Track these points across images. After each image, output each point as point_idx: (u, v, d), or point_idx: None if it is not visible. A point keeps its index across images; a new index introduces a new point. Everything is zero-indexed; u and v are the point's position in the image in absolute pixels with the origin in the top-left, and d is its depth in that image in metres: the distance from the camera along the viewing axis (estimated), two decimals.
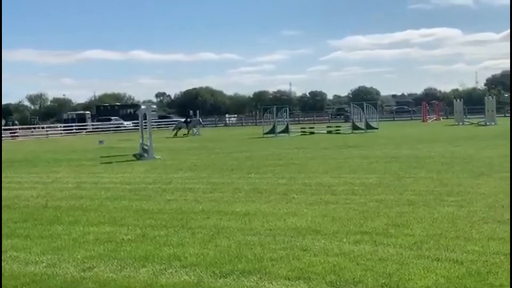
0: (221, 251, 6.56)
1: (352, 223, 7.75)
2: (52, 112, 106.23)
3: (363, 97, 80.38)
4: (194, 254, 6.47)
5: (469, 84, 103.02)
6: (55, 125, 70.52)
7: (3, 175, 15.40)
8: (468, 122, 46.42)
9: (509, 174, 11.91)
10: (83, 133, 59.86)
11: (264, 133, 37.24)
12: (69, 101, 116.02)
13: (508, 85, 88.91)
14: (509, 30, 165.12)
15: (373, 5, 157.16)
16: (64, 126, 63.39)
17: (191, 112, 45.38)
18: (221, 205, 9.67)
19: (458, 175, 12.26)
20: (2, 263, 6.42)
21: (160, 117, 75.59)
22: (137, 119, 28.39)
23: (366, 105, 39.58)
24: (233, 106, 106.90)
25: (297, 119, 73.74)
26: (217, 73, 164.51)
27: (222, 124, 78.08)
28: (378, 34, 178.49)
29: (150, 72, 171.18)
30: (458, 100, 53.02)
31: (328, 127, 42.03)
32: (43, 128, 65.08)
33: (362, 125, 38.20)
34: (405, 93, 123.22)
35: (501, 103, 69.49)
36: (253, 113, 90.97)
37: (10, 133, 53.61)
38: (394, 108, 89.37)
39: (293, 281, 5.37)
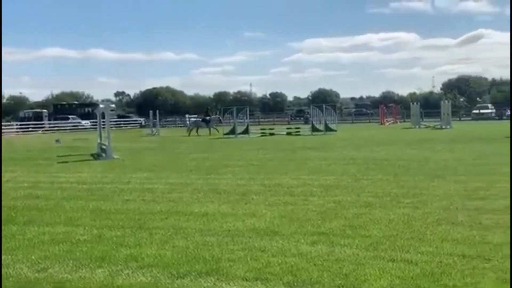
0: (179, 251, 6.53)
1: (310, 224, 7.81)
2: (8, 110, 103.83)
3: (323, 99, 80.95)
4: (151, 255, 6.42)
5: (426, 88, 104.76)
6: (11, 123, 68.94)
7: None
8: (425, 125, 47.29)
9: (463, 177, 12.20)
10: (40, 131, 58.74)
11: (224, 134, 37.22)
12: (26, 99, 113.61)
13: (463, 90, 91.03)
14: (465, 36, 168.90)
15: (333, 9, 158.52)
16: (20, 125, 62.07)
17: (208, 108, 44.61)
18: (180, 206, 9.62)
19: (414, 177, 12.47)
20: None
21: (119, 116, 74.82)
22: (96, 118, 28.06)
23: (326, 107, 39.91)
24: (194, 106, 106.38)
25: (257, 120, 73.90)
26: (177, 73, 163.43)
27: (182, 125, 77.63)
28: (338, 37, 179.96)
29: (109, 71, 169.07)
30: (415, 103, 53.98)
31: (288, 128, 42.24)
32: None
33: (321, 127, 38.52)
34: (364, 96, 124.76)
35: (457, 107, 71.16)
36: (214, 113, 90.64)
37: None
38: (353, 110, 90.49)
39: (251, 281, 5.38)
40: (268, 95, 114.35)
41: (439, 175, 12.68)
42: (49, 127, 62.27)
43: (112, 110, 62.07)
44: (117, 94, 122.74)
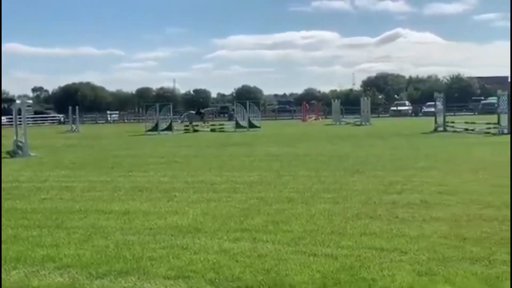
0: (98, 251, 6.37)
1: (232, 221, 7.81)
2: None
3: (247, 96, 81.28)
4: (69, 254, 6.23)
5: (347, 85, 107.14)
6: None
7: None
8: (345, 121, 48.41)
9: (381, 172, 12.55)
10: None
11: (147, 131, 36.74)
12: None
13: (382, 87, 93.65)
14: (383, 35, 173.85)
15: (256, 6, 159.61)
16: None
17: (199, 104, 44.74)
18: (100, 204, 9.39)
19: (335, 172, 12.72)
20: None
21: (37, 112, 72.33)
22: (12, 115, 27.01)
23: (249, 104, 40.14)
24: (115, 103, 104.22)
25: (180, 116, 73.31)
26: (98, 69, 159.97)
27: (104, 121, 76.16)
28: (261, 35, 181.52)
29: (26, 66, 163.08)
30: (336, 100, 55.17)
31: (211, 125, 42.18)
32: None
33: (245, 123, 38.72)
34: (287, 93, 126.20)
35: (376, 104, 73.02)
36: (136, 110, 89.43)
37: None
38: (276, 107, 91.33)
39: (172, 280, 5.31)
40: (192, 92, 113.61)
41: (358, 170, 12.99)
42: None
43: (29, 106, 59.64)
44: (34, 90, 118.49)
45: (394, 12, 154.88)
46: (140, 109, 73.82)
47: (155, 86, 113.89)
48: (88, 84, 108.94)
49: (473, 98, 77.61)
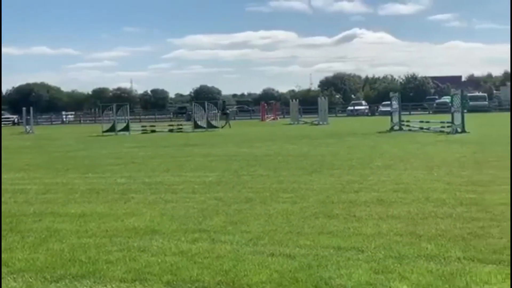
0: (53, 255, 6.24)
1: (191, 222, 7.76)
2: None
3: (205, 96, 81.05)
4: (23, 259, 6.09)
5: (304, 85, 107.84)
6: None
7: None
8: (303, 121, 48.70)
9: (338, 171, 12.67)
10: None
11: (103, 131, 36.26)
12: None
13: (339, 87, 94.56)
14: (340, 35, 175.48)
15: (214, 5, 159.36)
16: None
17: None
18: (55, 207, 9.22)
19: (293, 172, 12.79)
20: None
21: None
22: None
23: (208, 104, 40.04)
24: (71, 103, 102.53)
25: (138, 117, 72.73)
26: (53, 69, 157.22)
27: (59, 122, 74.91)
28: (219, 35, 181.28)
29: None
30: (294, 100, 55.49)
31: (170, 125, 41.93)
32: None
33: (203, 123, 38.60)
34: (245, 93, 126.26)
35: (333, 104, 73.81)
36: (92, 110, 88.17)
37: None
38: (235, 107, 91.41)
39: (129, 283, 5.25)
40: (149, 92, 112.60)
41: (316, 169, 13.09)
42: None
43: None
44: None
45: (350, 12, 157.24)
46: (97, 110, 72.73)
47: (111, 86, 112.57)
48: (43, 84, 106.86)
49: (428, 97, 79.27)
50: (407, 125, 30.73)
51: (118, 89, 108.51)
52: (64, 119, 77.59)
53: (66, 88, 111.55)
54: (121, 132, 36.05)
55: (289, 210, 8.33)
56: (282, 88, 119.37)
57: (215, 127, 38.22)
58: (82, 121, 76.34)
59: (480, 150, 16.72)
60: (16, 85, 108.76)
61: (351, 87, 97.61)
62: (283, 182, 11.30)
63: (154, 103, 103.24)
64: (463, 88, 43.42)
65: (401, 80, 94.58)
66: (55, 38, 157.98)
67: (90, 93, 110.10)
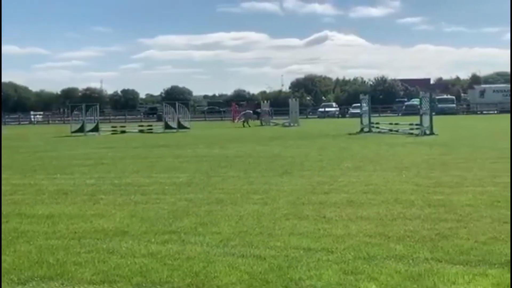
0: (20, 256, 6.14)
1: (161, 223, 7.72)
2: None
3: (176, 97, 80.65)
4: None
5: (276, 86, 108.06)
6: None
7: None
8: (274, 123, 48.77)
9: (309, 172, 12.73)
10: None
11: (72, 132, 35.85)
12: None
13: (310, 89, 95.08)
14: (311, 37, 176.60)
15: (185, 5, 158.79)
16: None
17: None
18: (22, 208, 9.07)
19: (264, 173, 12.80)
20: None
21: None
22: None
23: (179, 105, 39.89)
24: (39, 103, 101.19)
25: (108, 117, 72.09)
26: (21, 68, 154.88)
27: (27, 122, 73.85)
28: (190, 35, 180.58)
29: None
30: (265, 101, 55.52)
31: (140, 126, 41.67)
32: None
33: (174, 124, 38.44)
34: (217, 94, 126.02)
35: (304, 105, 74.20)
36: (61, 110, 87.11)
37: None
38: (206, 108, 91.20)
39: (98, 285, 5.20)
40: (119, 92, 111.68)
41: (287, 171, 13.13)
42: None
43: None
44: None
45: (321, 14, 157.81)
46: (66, 110, 71.89)
47: (81, 86, 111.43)
48: (10, 83, 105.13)
49: (397, 99, 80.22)
50: (377, 127, 31.01)
51: (88, 89, 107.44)
52: (33, 119, 76.56)
53: (34, 87, 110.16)
54: (91, 133, 35.69)
55: (259, 212, 8.33)
56: (254, 89, 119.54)
57: (186, 128, 38.06)
58: (50, 121, 75.40)
59: (448, 152, 16.97)
60: None
61: (322, 89, 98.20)
62: (254, 183, 11.30)
63: (124, 104, 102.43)
64: (431, 91, 44.07)
65: (371, 83, 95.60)
66: (24, 37, 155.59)
67: (59, 93, 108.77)
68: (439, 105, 61.32)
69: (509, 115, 41.21)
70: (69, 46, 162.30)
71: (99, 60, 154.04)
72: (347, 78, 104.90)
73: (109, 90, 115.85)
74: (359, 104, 36.93)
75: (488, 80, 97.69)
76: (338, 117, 67.71)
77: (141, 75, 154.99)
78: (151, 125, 41.28)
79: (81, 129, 36.22)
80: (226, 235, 6.95)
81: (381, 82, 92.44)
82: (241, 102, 74.81)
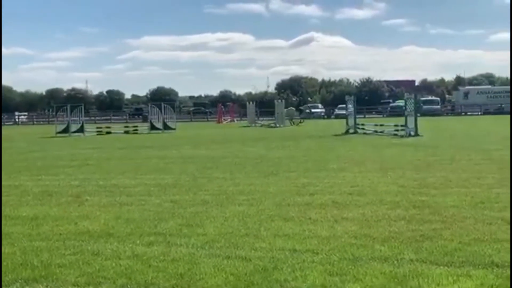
0: (5, 258, 6.09)
1: (146, 225, 7.70)
2: None
3: (162, 98, 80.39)
4: None
5: (261, 87, 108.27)
6: None
7: None
8: (260, 124, 48.81)
9: (294, 174, 12.75)
10: None
11: (57, 133, 35.62)
12: None
13: (296, 90, 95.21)
14: (297, 38, 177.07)
15: (171, 6, 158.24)
16: None
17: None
18: (6, 209, 9.00)
19: (250, 174, 12.81)
20: None
21: None
22: None
23: (164, 106, 39.79)
24: (24, 104, 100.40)
25: (93, 118, 71.73)
26: (6, 68, 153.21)
27: (11, 123, 73.23)
28: (176, 36, 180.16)
29: None
30: (251, 102, 55.58)
31: (125, 127, 41.47)
32: None
33: (160, 125, 38.35)
34: (202, 95, 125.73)
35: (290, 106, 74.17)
36: (46, 111, 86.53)
37: None
38: (191, 109, 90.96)
39: (82, 287, 5.17)
40: (105, 93, 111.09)
41: (272, 172, 13.14)
42: None
43: None
44: None
45: (307, 16, 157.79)
46: (50, 111, 71.43)
47: (66, 86, 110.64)
48: None
49: (382, 101, 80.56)
50: (362, 128, 31.12)
51: (73, 89, 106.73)
52: (17, 120, 75.95)
53: (19, 88, 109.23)
54: (76, 134, 35.47)
55: (245, 213, 8.34)
56: (239, 90, 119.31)
57: (171, 128, 37.97)
58: (35, 122, 74.90)
59: (433, 153, 17.07)
60: None
61: (307, 90, 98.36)
62: (240, 184, 11.30)
63: (110, 104, 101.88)
64: (416, 92, 44.31)
65: (356, 84, 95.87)
66: (9, 37, 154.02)
67: (44, 93, 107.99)
68: (424, 107, 61.67)
69: (490, 116, 41.55)
70: (54, 47, 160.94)
71: (85, 61, 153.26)
72: (333, 79, 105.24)
73: (95, 90, 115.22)
74: (344, 105, 37.02)
75: (472, 81, 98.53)
76: (323, 118, 67.83)
77: (127, 76, 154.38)
78: (136, 126, 41.09)
79: (66, 130, 36.00)
80: (211, 236, 6.95)
81: (367, 83, 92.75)
82: (227, 103, 74.62)
